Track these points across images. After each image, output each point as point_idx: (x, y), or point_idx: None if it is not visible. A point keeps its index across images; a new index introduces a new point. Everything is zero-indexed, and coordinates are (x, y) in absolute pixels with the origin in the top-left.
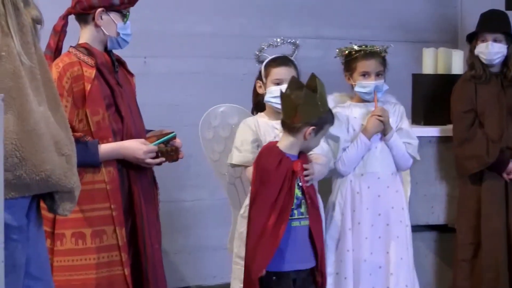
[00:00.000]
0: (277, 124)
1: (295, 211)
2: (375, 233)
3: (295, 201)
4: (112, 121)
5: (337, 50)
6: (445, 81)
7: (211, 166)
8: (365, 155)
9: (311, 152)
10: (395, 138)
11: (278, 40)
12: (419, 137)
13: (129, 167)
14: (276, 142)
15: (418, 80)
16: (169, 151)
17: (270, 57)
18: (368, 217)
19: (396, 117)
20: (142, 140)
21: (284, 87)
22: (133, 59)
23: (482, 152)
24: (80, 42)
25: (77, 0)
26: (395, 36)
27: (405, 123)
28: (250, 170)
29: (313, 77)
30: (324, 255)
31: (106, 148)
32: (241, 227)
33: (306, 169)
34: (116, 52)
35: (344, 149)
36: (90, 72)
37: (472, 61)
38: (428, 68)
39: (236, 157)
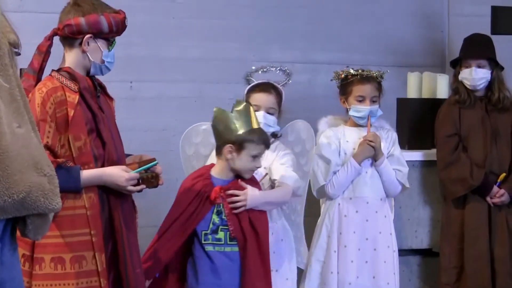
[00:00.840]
0: None
1: (209, 236)
2: (362, 257)
3: (211, 226)
4: (94, 147)
5: (334, 73)
6: (430, 105)
7: None
8: (355, 180)
9: (276, 179)
10: (386, 164)
11: (273, 67)
12: None
13: (110, 193)
14: (212, 165)
15: (403, 104)
16: (150, 178)
17: (254, 83)
18: (355, 241)
19: (388, 143)
20: (124, 167)
21: (260, 114)
22: (120, 83)
23: (466, 175)
24: (63, 65)
25: (66, 23)
26: (384, 60)
27: (397, 150)
28: None
29: (237, 100)
30: (262, 283)
31: (88, 174)
32: None
33: (235, 195)
34: (103, 76)
35: (335, 173)
36: (73, 98)
37: (457, 85)
38: (412, 92)
39: None
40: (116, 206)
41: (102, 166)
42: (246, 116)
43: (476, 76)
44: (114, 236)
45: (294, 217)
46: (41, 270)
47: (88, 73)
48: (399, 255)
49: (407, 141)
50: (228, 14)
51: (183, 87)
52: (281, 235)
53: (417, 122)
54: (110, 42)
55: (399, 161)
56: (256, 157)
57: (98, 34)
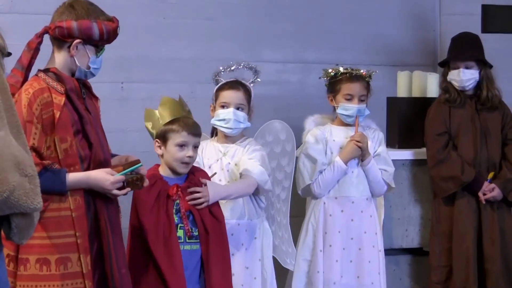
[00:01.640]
0: (223, 147)
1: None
2: (347, 256)
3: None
4: (80, 148)
5: (323, 71)
6: (420, 104)
7: None
8: (341, 179)
9: (242, 171)
10: (372, 164)
11: (241, 64)
12: (394, 160)
13: (95, 195)
14: (158, 166)
15: (393, 103)
16: (135, 180)
17: (222, 81)
18: (340, 240)
19: (374, 143)
20: (109, 170)
21: (230, 110)
22: (111, 84)
23: (457, 173)
24: (51, 65)
25: (58, 24)
26: (375, 59)
27: (383, 150)
28: None
29: (162, 98)
30: (225, 281)
31: (73, 177)
32: None
33: (194, 192)
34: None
35: (321, 172)
36: (60, 99)
37: (446, 85)
38: (402, 91)
39: None
40: (101, 208)
41: (88, 166)
42: (169, 108)
43: (464, 77)
44: (100, 237)
45: (280, 218)
46: (26, 270)
47: (73, 75)
48: (390, 254)
49: (397, 140)
50: (220, 14)
51: (175, 87)
52: (257, 233)
53: (408, 121)
54: (99, 49)
55: (385, 161)
56: (183, 146)
57: (88, 40)
